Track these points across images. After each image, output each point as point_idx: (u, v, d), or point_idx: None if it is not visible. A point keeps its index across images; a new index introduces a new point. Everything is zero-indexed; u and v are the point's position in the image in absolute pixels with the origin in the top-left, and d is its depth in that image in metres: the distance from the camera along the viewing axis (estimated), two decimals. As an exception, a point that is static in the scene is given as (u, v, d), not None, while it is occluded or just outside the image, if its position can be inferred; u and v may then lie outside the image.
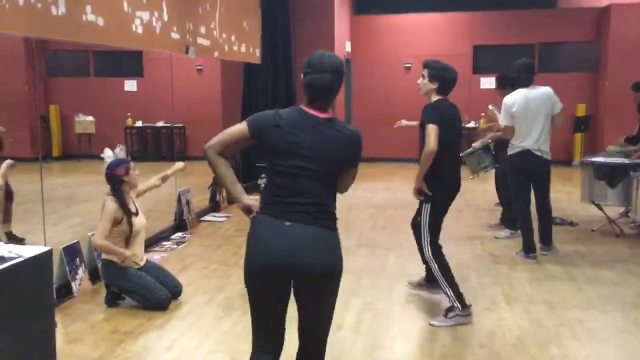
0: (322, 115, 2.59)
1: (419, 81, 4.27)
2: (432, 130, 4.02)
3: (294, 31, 10.22)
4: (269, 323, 2.65)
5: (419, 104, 4.40)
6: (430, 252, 4.23)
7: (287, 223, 2.49)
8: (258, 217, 2.59)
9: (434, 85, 4.18)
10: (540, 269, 5.46)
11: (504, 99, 5.68)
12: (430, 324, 4.17)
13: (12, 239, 5.81)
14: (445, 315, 4.18)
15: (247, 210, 2.65)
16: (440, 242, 4.33)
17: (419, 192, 4.21)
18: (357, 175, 2.77)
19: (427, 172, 4.12)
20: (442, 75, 4.16)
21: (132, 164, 4.68)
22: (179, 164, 5.46)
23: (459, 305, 4.16)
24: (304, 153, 2.52)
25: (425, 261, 4.39)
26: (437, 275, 4.22)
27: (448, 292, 4.20)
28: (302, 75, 2.63)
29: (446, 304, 4.27)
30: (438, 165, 4.09)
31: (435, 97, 4.22)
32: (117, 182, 4.54)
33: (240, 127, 2.62)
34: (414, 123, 4.80)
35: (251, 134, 2.59)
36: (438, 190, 4.19)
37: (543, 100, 5.57)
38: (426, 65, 4.23)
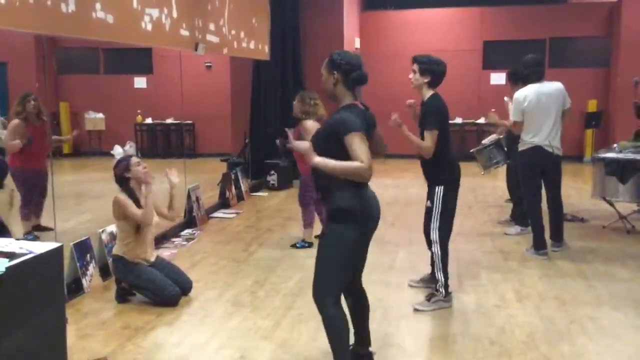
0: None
1: (411, 76, 4.40)
2: (434, 135, 4.25)
3: (303, 27, 10.21)
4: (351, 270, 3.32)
5: (428, 100, 4.41)
6: (437, 235, 4.37)
7: (370, 190, 3.26)
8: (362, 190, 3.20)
9: (426, 79, 4.31)
10: (551, 265, 5.43)
11: (515, 95, 5.65)
12: (415, 309, 4.36)
13: (41, 230, 6.21)
14: (429, 300, 4.41)
15: None
16: (451, 237, 4.40)
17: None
18: None
19: (436, 159, 4.31)
20: (432, 69, 4.29)
21: (134, 158, 4.65)
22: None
23: (443, 292, 4.41)
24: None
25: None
26: (437, 259, 4.41)
27: (440, 278, 4.40)
28: (336, 73, 3.09)
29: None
30: (447, 151, 4.36)
31: (427, 91, 4.35)
32: (120, 180, 4.59)
33: (361, 138, 3.00)
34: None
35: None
36: (449, 174, 4.37)
37: (555, 95, 5.54)
38: (415, 60, 4.37)
